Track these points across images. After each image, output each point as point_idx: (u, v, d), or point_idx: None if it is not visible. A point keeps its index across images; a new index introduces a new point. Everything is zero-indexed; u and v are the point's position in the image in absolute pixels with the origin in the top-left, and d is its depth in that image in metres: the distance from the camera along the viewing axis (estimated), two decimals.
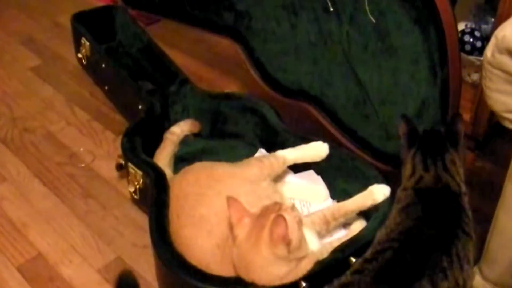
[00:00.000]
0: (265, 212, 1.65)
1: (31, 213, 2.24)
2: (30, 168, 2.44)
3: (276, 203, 1.68)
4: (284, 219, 1.55)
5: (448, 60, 1.77)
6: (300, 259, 1.64)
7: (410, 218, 1.57)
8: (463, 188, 1.62)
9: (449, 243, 1.50)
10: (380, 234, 1.60)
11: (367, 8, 1.89)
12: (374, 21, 1.90)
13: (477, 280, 1.73)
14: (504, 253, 1.64)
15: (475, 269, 1.75)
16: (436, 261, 1.46)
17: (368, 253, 1.56)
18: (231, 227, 1.67)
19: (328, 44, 2.11)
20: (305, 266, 1.66)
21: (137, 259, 2.06)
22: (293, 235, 1.59)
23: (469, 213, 1.59)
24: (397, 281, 1.46)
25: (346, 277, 1.52)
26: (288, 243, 1.59)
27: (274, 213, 1.61)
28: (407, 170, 1.68)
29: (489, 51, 1.43)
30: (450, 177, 1.61)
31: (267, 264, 1.62)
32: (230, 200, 1.67)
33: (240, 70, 2.66)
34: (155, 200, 1.94)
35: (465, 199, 1.61)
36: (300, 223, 1.64)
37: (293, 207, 1.68)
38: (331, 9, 2.02)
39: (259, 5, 2.29)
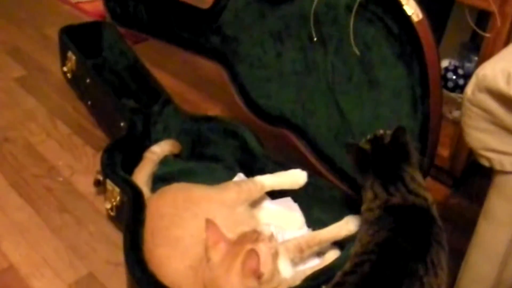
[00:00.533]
0: (242, 239, 1.65)
1: (5, 224, 2.22)
2: (7, 179, 2.42)
3: (254, 232, 1.68)
4: (257, 254, 1.55)
5: (430, 96, 1.79)
6: None
7: (383, 229, 1.58)
8: (430, 198, 1.63)
9: (423, 252, 1.51)
10: (355, 247, 1.62)
11: (352, 40, 1.92)
12: (358, 53, 1.92)
13: None
14: None
15: None
16: (413, 270, 1.48)
17: (347, 266, 1.57)
18: (206, 249, 1.67)
19: (313, 73, 2.13)
20: None
21: (109, 276, 2.05)
22: (266, 269, 1.60)
23: (439, 223, 1.61)
24: None
25: None
26: (259, 276, 1.59)
27: (251, 242, 1.62)
28: (368, 195, 1.69)
29: (469, 89, 1.45)
30: (415, 196, 1.62)
31: None
32: (209, 222, 1.67)
33: (224, 93, 2.67)
34: (131, 218, 1.93)
35: (434, 208, 1.62)
36: (275, 255, 1.65)
37: (271, 237, 1.68)
38: (315, 38, 2.04)
39: (246, 31, 2.31)
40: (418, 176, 1.65)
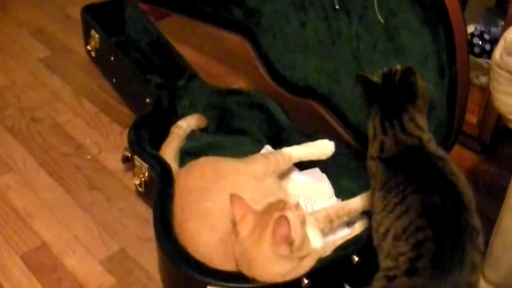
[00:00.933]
0: (269, 210, 1.65)
1: (36, 203, 2.25)
2: (36, 159, 2.45)
3: (280, 201, 1.68)
4: (287, 219, 1.55)
5: (457, 61, 1.76)
6: (303, 257, 1.64)
7: (405, 195, 1.53)
8: (425, 137, 1.59)
9: (457, 197, 1.50)
10: (389, 222, 1.55)
11: (376, 7, 1.89)
12: (382, 21, 1.90)
13: (480, 283, 1.72)
14: (508, 255, 1.64)
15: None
16: (464, 223, 1.47)
17: (405, 249, 1.48)
18: (234, 224, 1.68)
19: (337, 43, 2.11)
20: (307, 264, 1.66)
21: (140, 251, 2.07)
22: (296, 235, 1.59)
23: (440, 153, 1.59)
24: (453, 265, 1.43)
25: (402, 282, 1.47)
26: (290, 243, 1.59)
27: (278, 211, 1.61)
28: (370, 130, 1.67)
29: (497, 53, 1.43)
30: (407, 136, 1.58)
31: (269, 262, 1.62)
32: (234, 197, 1.67)
33: (248, 66, 2.66)
34: (160, 193, 1.94)
35: (430, 144, 1.59)
36: (303, 222, 1.65)
37: (297, 206, 1.68)
38: (337, 6, 2.02)
39: (269, 2, 2.30)
40: (420, 119, 1.60)
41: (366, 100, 1.69)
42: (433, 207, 1.48)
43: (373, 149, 1.64)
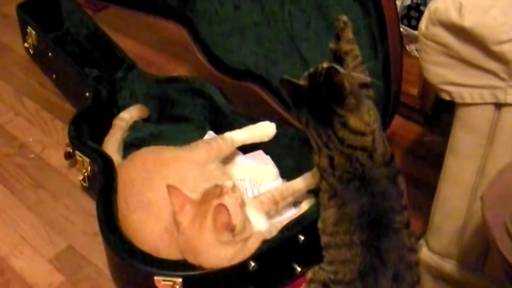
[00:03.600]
0: (206, 197, 1.65)
1: None
2: None
3: (216, 186, 1.68)
4: (226, 207, 1.56)
5: (388, 36, 1.77)
6: (246, 239, 1.65)
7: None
8: (366, 142, 1.56)
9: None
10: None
11: None
12: None
13: (424, 252, 1.74)
14: (448, 224, 1.66)
15: (422, 242, 1.77)
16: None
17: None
18: (174, 215, 1.68)
19: (271, 24, 2.11)
20: (252, 246, 1.67)
21: (88, 247, 2.05)
22: (237, 220, 1.60)
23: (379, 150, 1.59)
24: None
25: None
26: (232, 229, 1.60)
27: (216, 197, 1.62)
28: (310, 140, 1.65)
29: (423, 24, 1.44)
30: (347, 148, 1.56)
31: (213, 249, 1.64)
32: (170, 188, 1.67)
33: (188, 53, 2.64)
34: (102, 187, 1.93)
35: (376, 151, 1.57)
36: (242, 204, 1.65)
37: (233, 188, 1.68)
38: None
39: None
40: (354, 120, 1.56)
41: (294, 105, 1.66)
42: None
43: (321, 162, 1.63)
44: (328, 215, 1.61)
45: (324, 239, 1.64)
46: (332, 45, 1.71)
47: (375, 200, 1.55)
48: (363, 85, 1.63)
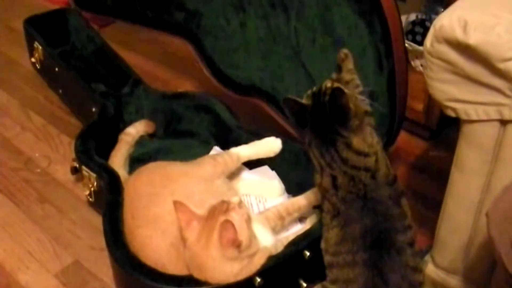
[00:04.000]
0: (213, 213, 1.65)
1: None
2: None
3: (223, 202, 1.68)
4: (232, 223, 1.56)
5: (393, 51, 1.78)
6: (252, 255, 1.65)
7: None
8: (370, 161, 1.56)
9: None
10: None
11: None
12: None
13: (429, 268, 1.75)
14: (453, 239, 1.66)
15: (427, 257, 1.77)
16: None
17: None
18: (180, 231, 1.68)
19: (277, 40, 2.12)
20: (258, 262, 1.67)
21: (94, 261, 2.06)
22: (243, 236, 1.61)
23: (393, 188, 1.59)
24: None
25: None
26: (238, 245, 1.60)
27: (222, 213, 1.62)
28: (312, 159, 1.65)
29: (428, 41, 1.45)
30: (351, 168, 1.57)
31: (219, 265, 1.63)
32: (177, 203, 1.67)
33: (194, 69, 2.66)
34: (109, 202, 1.93)
35: (379, 170, 1.57)
36: (248, 220, 1.66)
37: (240, 204, 1.68)
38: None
39: (208, 4, 2.30)
40: (357, 141, 1.56)
41: (297, 123, 1.66)
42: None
43: (324, 182, 1.63)
44: (331, 235, 1.62)
45: (327, 258, 1.64)
46: (334, 75, 1.72)
47: (377, 220, 1.55)
48: (365, 113, 1.63)
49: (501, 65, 1.33)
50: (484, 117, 1.45)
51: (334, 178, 1.59)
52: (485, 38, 1.33)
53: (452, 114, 1.50)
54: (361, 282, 1.54)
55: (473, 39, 1.34)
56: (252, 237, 1.65)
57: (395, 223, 1.56)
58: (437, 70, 1.46)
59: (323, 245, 1.66)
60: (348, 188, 1.58)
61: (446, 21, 1.40)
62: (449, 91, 1.47)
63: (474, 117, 1.46)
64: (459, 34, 1.37)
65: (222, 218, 1.59)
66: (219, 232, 1.58)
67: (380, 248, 1.54)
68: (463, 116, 1.48)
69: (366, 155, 1.57)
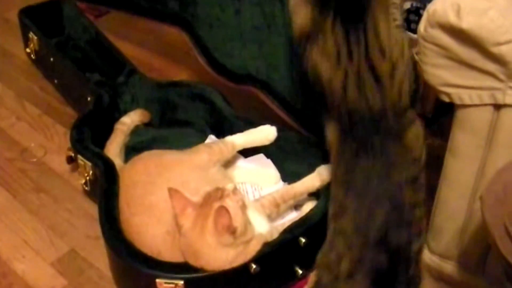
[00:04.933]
0: (207, 200, 1.66)
1: None
2: None
3: (218, 189, 1.69)
4: (227, 209, 1.57)
5: None
6: (247, 241, 1.66)
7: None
8: (384, 71, 1.52)
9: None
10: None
11: None
12: None
13: (424, 253, 1.75)
14: (448, 225, 1.67)
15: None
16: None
17: None
18: (175, 218, 1.69)
19: (272, 28, 2.12)
20: (253, 248, 1.68)
21: (90, 250, 2.06)
22: (238, 222, 1.61)
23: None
24: None
25: None
26: (233, 231, 1.61)
27: (217, 200, 1.63)
28: (333, 47, 1.55)
29: (422, 26, 1.45)
30: (368, 68, 1.52)
31: (214, 251, 1.65)
32: (172, 191, 1.68)
33: (189, 58, 2.66)
34: (104, 190, 1.94)
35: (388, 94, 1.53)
36: (243, 206, 1.66)
37: (235, 190, 1.69)
38: None
39: None
40: (383, 25, 1.51)
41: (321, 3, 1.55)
42: None
43: (336, 78, 1.56)
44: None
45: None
46: None
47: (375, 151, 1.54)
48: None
49: (494, 49, 1.34)
50: (477, 102, 1.45)
51: (346, 75, 1.54)
52: (478, 22, 1.34)
53: (446, 99, 1.51)
54: (353, 213, 1.56)
55: (466, 23, 1.35)
56: (247, 223, 1.66)
57: (391, 157, 1.54)
58: (431, 55, 1.47)
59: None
60: (354, 97, 1.54)
61: (439, 6, 1.40)
62: (443, 76, 1.47)
63: (467, 101, 1.46)
64: (452, 19, 1.37)
65: (217, 205, 1.60)
66: (214, 218, 1.59)
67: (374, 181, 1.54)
68: (457, 101, 1.49)
69: (383, 52, 1.52)
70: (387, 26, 1.53)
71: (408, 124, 1.57)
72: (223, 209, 1.56)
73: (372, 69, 1.53)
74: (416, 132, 1.58)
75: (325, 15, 1.54)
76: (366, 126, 1.55)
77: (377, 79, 1.53)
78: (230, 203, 1.61)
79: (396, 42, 1.54)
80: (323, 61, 1.57)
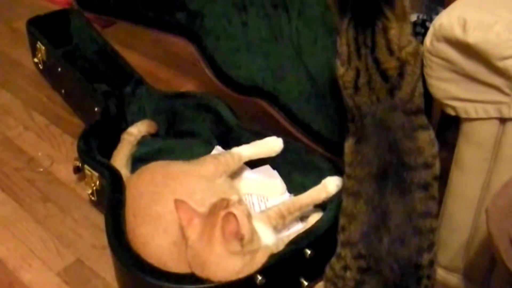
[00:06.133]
0: (213, 210, 1.67)
1: None
2: None
3: (223, 199, 1.70)
4: (234, 215, 1.57)
5: None
6: (254, 252, 1.67)
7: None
8: (392, 71, 1.50)
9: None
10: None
11: None
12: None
13: None
14: (454, 238, 1.67)
15: None
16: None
17: None
18: (182, 229, 1.69)
19: (279, 40, 2.13)
20: (260, 259, 1.68)
21: (97, 260, 2.06)
22: (245, 229, 1.61)
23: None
24: None
25: None
26: (241, 238, 1.61)
27: (223, 210, 1.63)
28: (343, 47, 1.56)
29: (428, 40, 1.46)
30: (376, 69, 1.51)
31: (222, 261, 1.64)
32: (178, 202, 1.69)
33: (196, 69, 2.67)
34: (111, 200, 1.94)
35: (397, 94, 1.50)
36: (249, 216, 1.67)
37: (240, 201, 1.70)
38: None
39: (210, 4, 2.30)
40: (394, 30, 1.49)
41: (339, 5, 1.56)
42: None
43: (347, 75, 1.55)
44: (347, 144, 1.59)
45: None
46: None
47: (385, 148, 1.51)
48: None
49: (500, 64, 1.35)
50: (483, 115, 1.46)
51: (358, 73, 1.53)
52: (484, 37, 1.35)
53: (452, 113, 1.52)
54: (362, 221, 1.54)
55: (472, 37, 1.36)
56: (254, 232, 1.66)
57: (403, 157, 1.51)
58: (437, 69, 1.47)
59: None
60: (365, 92, 1.52)
61: (446, 20, 1.41)
62: (449, 89, 1.48)
63: (473, 115, 1.47)
64: (458, 33, 1.38)
65: (223, 213, 1.61)
66: (221, 225, 1.60)
67: (385, 183, 1.50)
68: (463, 115, 1.49)
69: (392, 52, 1.50)
70: (399, 25, 1.50)
71: (420, 126, 1.54)
72: (231, 215, 1.57)
73: (378, 65, 1.51)
74: (428, 138, 1.55)
75: (343, 17, 1.55)
76: (378, 126, 1.53)
77: (384, 76, 1.51)
78: (236, 211, 1.61)
79: (409, 42, 1.52)
80: (339, 64, 1.59)
